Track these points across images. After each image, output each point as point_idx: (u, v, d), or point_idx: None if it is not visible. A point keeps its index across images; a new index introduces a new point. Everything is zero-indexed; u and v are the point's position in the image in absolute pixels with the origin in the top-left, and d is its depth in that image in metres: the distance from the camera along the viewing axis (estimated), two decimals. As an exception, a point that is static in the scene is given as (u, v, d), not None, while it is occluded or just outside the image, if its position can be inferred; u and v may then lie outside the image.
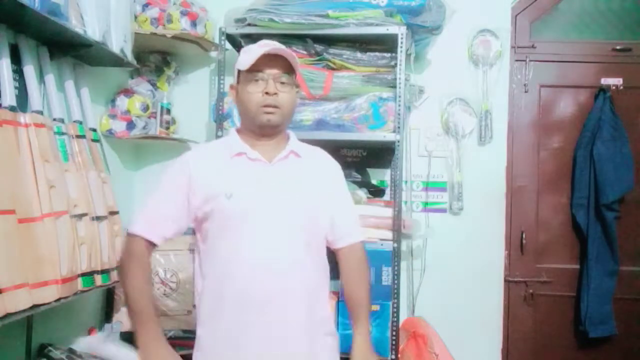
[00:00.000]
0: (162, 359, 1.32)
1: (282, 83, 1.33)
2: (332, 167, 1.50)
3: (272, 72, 1.32)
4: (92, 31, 1.69)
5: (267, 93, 1.30)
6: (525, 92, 2.48)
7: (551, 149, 2.49)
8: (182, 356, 2.15)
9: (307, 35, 2.04)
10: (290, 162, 1.39)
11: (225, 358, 1.33)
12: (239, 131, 1.43)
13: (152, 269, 1.40)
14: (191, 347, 2.17)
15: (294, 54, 1.37)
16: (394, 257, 2.00)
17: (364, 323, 1.43)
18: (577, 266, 2.43)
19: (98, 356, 1.82)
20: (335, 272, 1.49)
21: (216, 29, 2.20)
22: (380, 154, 2.36)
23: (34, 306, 1.42)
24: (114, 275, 1.81)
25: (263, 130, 1.35)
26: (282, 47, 1.36)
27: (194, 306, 2.20)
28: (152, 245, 1.34)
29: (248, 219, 1.31)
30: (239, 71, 1.36)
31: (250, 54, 1.31)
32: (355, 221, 1.50)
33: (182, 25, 2.14)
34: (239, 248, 1.31)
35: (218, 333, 1.33)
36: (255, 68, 1.31)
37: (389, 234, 2.01)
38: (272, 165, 1.36)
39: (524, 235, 2.45)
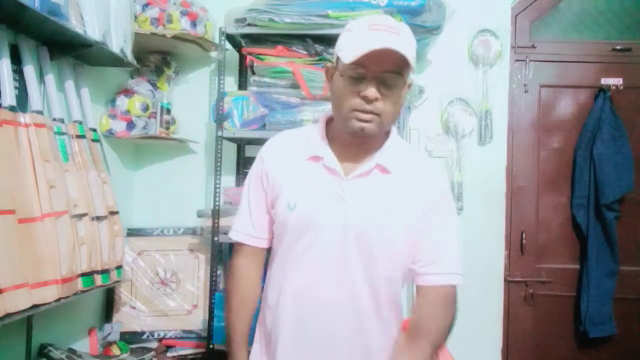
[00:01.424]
0: None
1: (389, 86, 1.07)
2: (431, 189, 1.19)
3: (377, 71, 1.05)
4: (92, 31, 1.69)
5: (365, 97, 1.06)
6: (525, 92, 2.48)
7: (551, 149, 2.49)
8: (182, 356, 2.17)
9: (307, 35, 2.04)
10: (372, 180, 1.14)
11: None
12: (329, 121, 1.21)
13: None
14: (191, 347, 2.19)
15: (413, 44, 1.09)
16: (394, 257, 1.99)
17: (423, 345, 1.10)
18: (577, 266, 2.43)
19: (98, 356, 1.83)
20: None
21: (216, 29, 2.20)
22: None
23: (34, 306, 1.42)
24: (114, 275, 1.81)
25: (353, 136, 1.13)
26: (399, 31, 1.06)
27: (194, 306, 2.22)
28: (260, 250, 1.26)
29: (305, 238, 1.14)
30: (337, 57, 1.12)
31: (358, 43, 1.04)
32: (451, 258, 1.24)
33: (182, 25, 2.14)
34: (288, 268, 1.17)
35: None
36: (361, 62, 1.04)
37: (389, 234, 2.00)
38: (348, 182, 1.13)
39: (524, 235, 2.45)
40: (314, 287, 1.14)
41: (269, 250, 1.29)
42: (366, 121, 1.08)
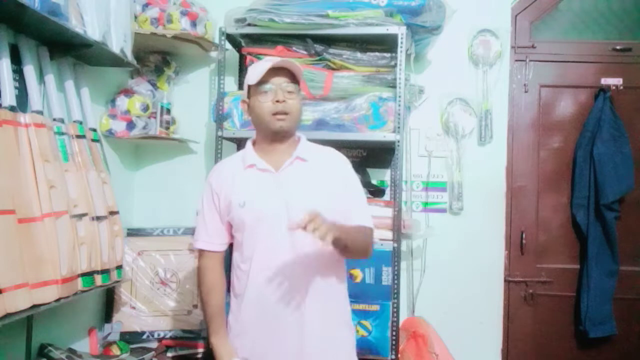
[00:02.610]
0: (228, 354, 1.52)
1: (289, 92, 1.46)
2: (338, 165, 1.57)
3: (279, 81, 1.45)
4: (92, 31, 1.69)
5: (277, 101, 1.43)
6: (525, 92, 2.48)
7: (551, 149, 2.49)
8: (182, 356, 2.17)
9: (307, 35, 2.04)
10: (296, 168, 1.49)
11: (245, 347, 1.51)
12: (254, 142, 1.57)
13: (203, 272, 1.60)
14: (191, 347, 2.19)
15: (298, 65, 1.50)
16: (393, 257, 2.01)
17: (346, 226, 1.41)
18: (577, 266, 2.44)
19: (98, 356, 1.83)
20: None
21: (216, 29, 2.20)
22: (380, 154, 2.36)
23: (34, 306, 1.42)
24: (114, 275, 1.81)
25: (276, 136, 1.48)
26: (286, 60, 1.49)
27: (195, 306, 2.22)
28: (217, 253, 1.57)
29: (259, 225, 1.46)
30: (249, 87, 1.49)
31: (258, 68, 1.45)
32: (365, 209, 1.56)
33: (182, 25, 2.14)
34: (253, 253, 1.47)
35: (238, 327, 1.52)
36: (264, 80, 1.44)
37: (389, 234, 2.01)
38: (279, 173, 1.48)
39: (524, 235, 2.45)
40: (273, 256, 1.46)
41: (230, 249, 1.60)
42: (282, 120, 1.45)
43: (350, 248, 1.42)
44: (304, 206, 1.40)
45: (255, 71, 1.46)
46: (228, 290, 1.60)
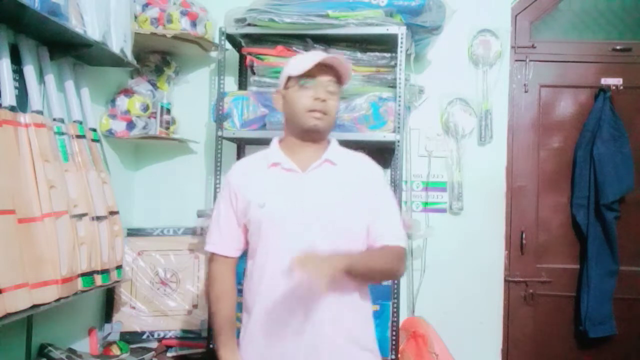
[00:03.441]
0: None
1: (331, 92, 1.37)
2: (369, 172, 1.47)
3: (324, 79, 1.35)
4: (92, 31, 1.69)
5: (317, 99, 1.34)
6: (525, 92, 2.48)
7: (551, 149, 2.49)
8: (182, 356, 2.17)
9: (307, 35, 2.04)
10: (324, 171, 1.39)
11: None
12: (280, 140, 1.46)
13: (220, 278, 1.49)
14: (191, 347, 2.19)
15: (348, 66, 1.40)
16: (394, 257, 2.00)
17: (356, 255, 1.32)
18: (577, 266, 2.44)
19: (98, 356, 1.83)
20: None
21: (216, 29, 2.20)
22: (380, 154, 2.34)
23: (34, 306, 1.42)
24: (114, 275, 1.81)
25: (308, 134, 1.38)
26: (337, 57, 1.38)
27: (195, 306, 2.22)
28: (230, 258, 1.47)
29: (279, 227, 1.35)
30: (288, 77, 1.38)
31: (304, 60, 1.35)
32: (396, 225, 1.43)
33: (182, 25, 2.14)
34: (270, 255, 1.36)
35: (252, 331, 1.39)
36: (308, 74, 1.34)
37: (389, 234, 2.01)
38: (306, 174, 1.38)
39: (524, 235, 2.45)
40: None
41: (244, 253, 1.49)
42: (319, 118, 1.35)
43: (369, 276, 1.35)
44: (327, 213, 1.34)
45: (301, 62, 1.35)
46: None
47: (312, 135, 1.39)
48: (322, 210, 1.34)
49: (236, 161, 2.38)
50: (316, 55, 1.35)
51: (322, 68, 1.34)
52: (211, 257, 1.49)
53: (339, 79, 1.39)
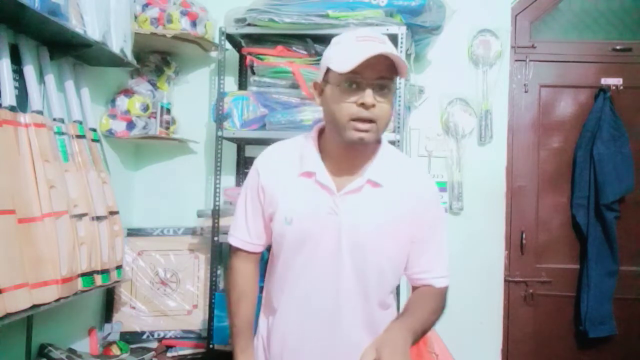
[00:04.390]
0: None
1: (382, 92, 1.09)
2: (424, 202, 1.21)
3: (372, 76, 1.07)
4: (92, 31, 1.69)
5: (362, 104, 1.07)
6: (525, 92, 2.48)
7: (551, 149, 2.49)
8: (182, 356, 2.17)
9: (307, 35, 2.04)
10: (364, 196, 1.15)
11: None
12: (320, 131, 1.23)
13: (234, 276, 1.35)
14: (191, 347, 2.19)
15: (402, 59, 1.10)
16: (394, 257, 2.00)
17: (409, 319, 1.10)
18: (577, 266, 2.43)
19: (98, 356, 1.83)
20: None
21: (216, 29, 2.20)
22: (380, 154, 2.35)
23: (34, 306, 1.42)
24: (114, 275, 1.81)
25: (352, 146, 1.14)
26: (385, 40, 1.10)
27: (194, 306, 2.22)
28: (254, 254, 1.32)
29: (303, 251, 1.18)
30: (328, 69, 1.12)
31: (351, 53, 1.05)
32: (444, 262, 1.24)
33: (182, 25, 2.14)
34: (287, 279, 1.22)
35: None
36: (354, 70, 1.05)
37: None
38: (340, 198, 1.15)
39: (524, 235, 2.45)
40: (313, 297, 1.19)
41: (267, 250, 1.35)
42: (365, 131, 1.09)
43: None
44: (360, 251, 1.15)
45: (347, 55, 1.05)
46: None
47: (356, 148, 1.14)
48: (354, 246, 1.15)
49: (236, 161, 2.40)
50: (362, 43, 1.06)
51: (372, 61, 1.03)
52: (234, 252, 1.32)
53: (392, 71, 1.08)
